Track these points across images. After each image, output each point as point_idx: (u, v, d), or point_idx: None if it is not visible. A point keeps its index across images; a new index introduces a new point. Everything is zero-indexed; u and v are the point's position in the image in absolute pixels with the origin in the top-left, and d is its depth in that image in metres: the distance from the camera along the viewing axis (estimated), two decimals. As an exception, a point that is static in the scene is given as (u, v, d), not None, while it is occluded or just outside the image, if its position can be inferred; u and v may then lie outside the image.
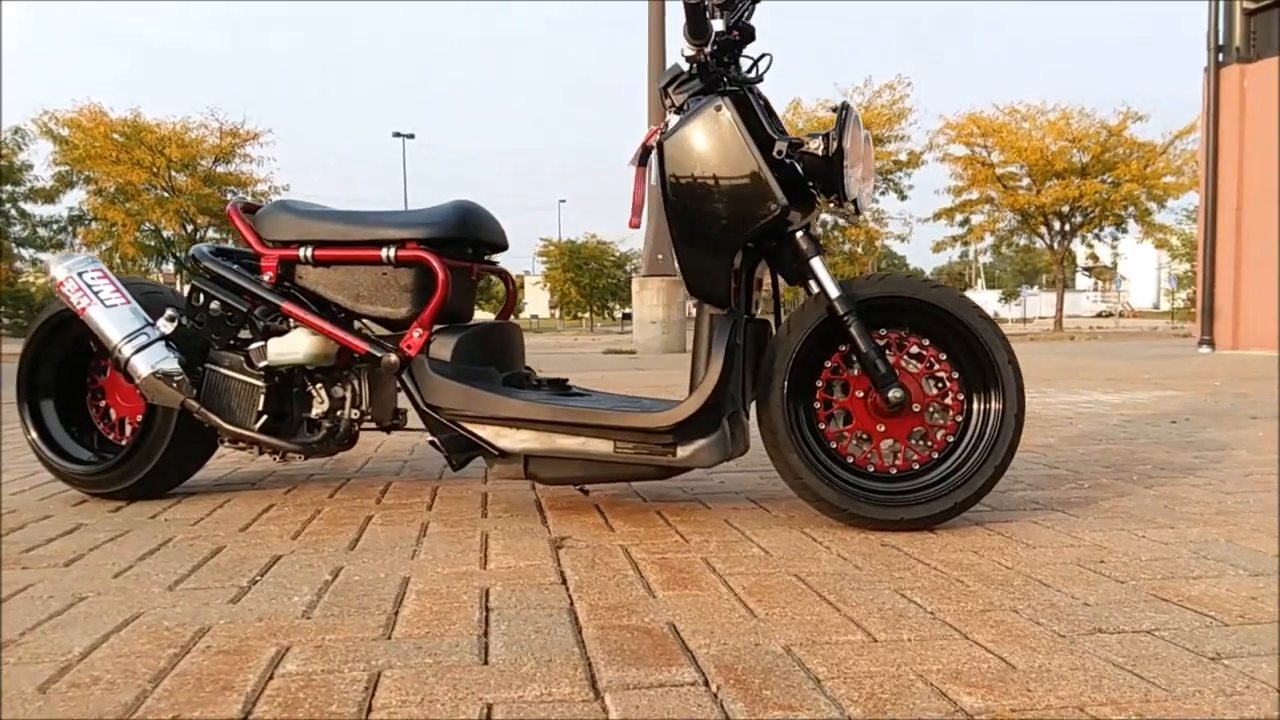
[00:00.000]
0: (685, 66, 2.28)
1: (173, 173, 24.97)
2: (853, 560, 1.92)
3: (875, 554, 1.97)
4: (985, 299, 54.63)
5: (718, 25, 2.16)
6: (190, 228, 26.04)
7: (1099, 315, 53.68)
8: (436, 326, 2.44)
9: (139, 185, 24.33)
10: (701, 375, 2.19)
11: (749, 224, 2.16)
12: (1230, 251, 11.34)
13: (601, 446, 2.24)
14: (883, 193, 26.52)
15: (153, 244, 26.22)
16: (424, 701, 1.22)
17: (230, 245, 2.75)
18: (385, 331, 2.58)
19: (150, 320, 2.54)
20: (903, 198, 27.16)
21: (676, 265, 2.26)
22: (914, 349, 2.23)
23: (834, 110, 2.19)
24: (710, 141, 2.15)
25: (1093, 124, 25.00)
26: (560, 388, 2.49)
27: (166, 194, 24.99)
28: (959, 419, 2.21)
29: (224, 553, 2.04)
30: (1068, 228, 26.82)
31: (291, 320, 2.49)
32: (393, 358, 2.39)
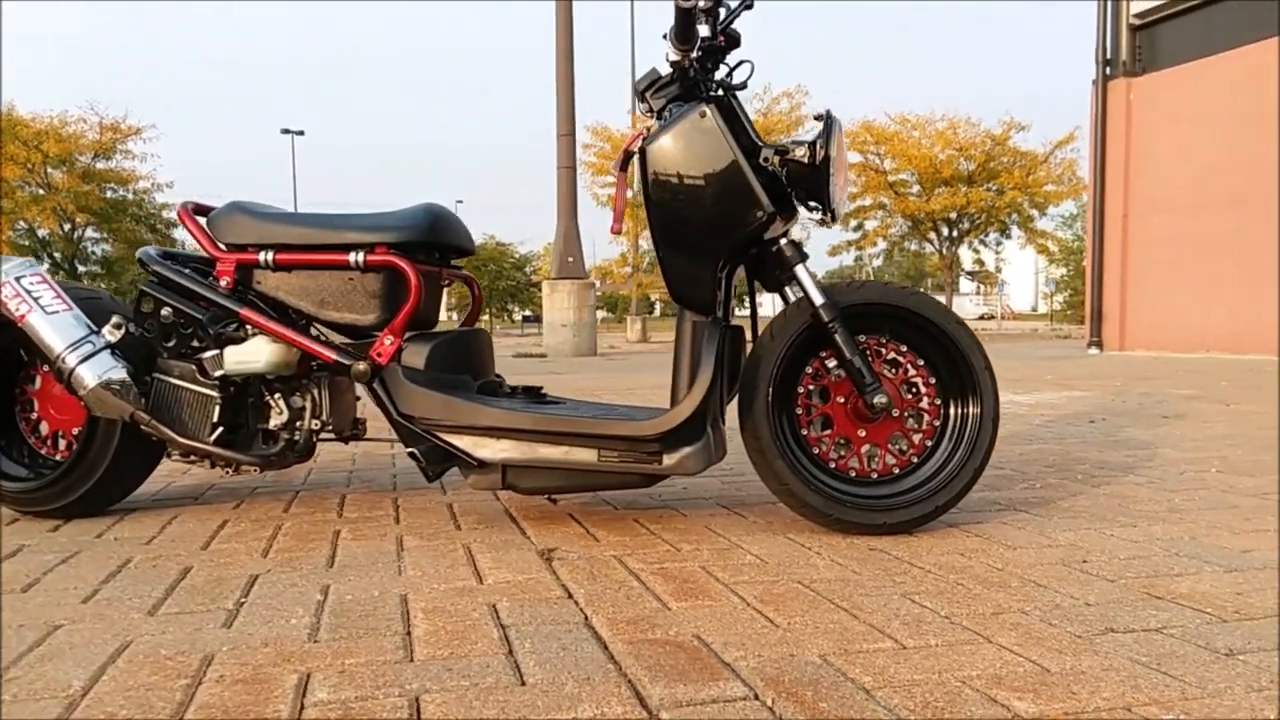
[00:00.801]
0: (665, 70, 2.27)
1: (49, 169, 23.76)
2: (848, 566, 1.94)
3: (868, 559, 1.99)
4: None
5: (703, 30, 2.15)
6: (68, 227, 24.83)
7: (981, 317, 55.65)
8: (407, 334, 2.37)
9: (12, 182, 23.06)
10: (688, 383, 2.18)
11: (735, 230, 2.16)
12: (1117, 257, 11.89)
13: (585, 455, 2.20)
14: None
15: (27, 244, 24.87)
16: (476, 727, 1.18)
17: (174, 249, 2.62)
18: (339, 339, 2.50)
19: (94, 328, 2.40)
20: (799, 202, 27.57)
21: (660, 270, 2.24)
22: (891, 355, 2.26)
23: (817, 119, 2.21)
24: (695, 147, 2.14)
25: (978, 134, 25.88)
26: (535, 395, 2.44)
27: (42, 191, 23.76)
28: (936, 424, 2.26)
29: (194, 573, 1.94)
30: (956, 234, 27.71)
31: (249, 327, 2.39)
32: (362, 366, 2.31)
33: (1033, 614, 1.62)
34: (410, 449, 2.28)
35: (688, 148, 2.15)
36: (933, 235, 28.13)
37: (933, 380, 2.26)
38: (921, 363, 2.26)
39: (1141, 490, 2.75)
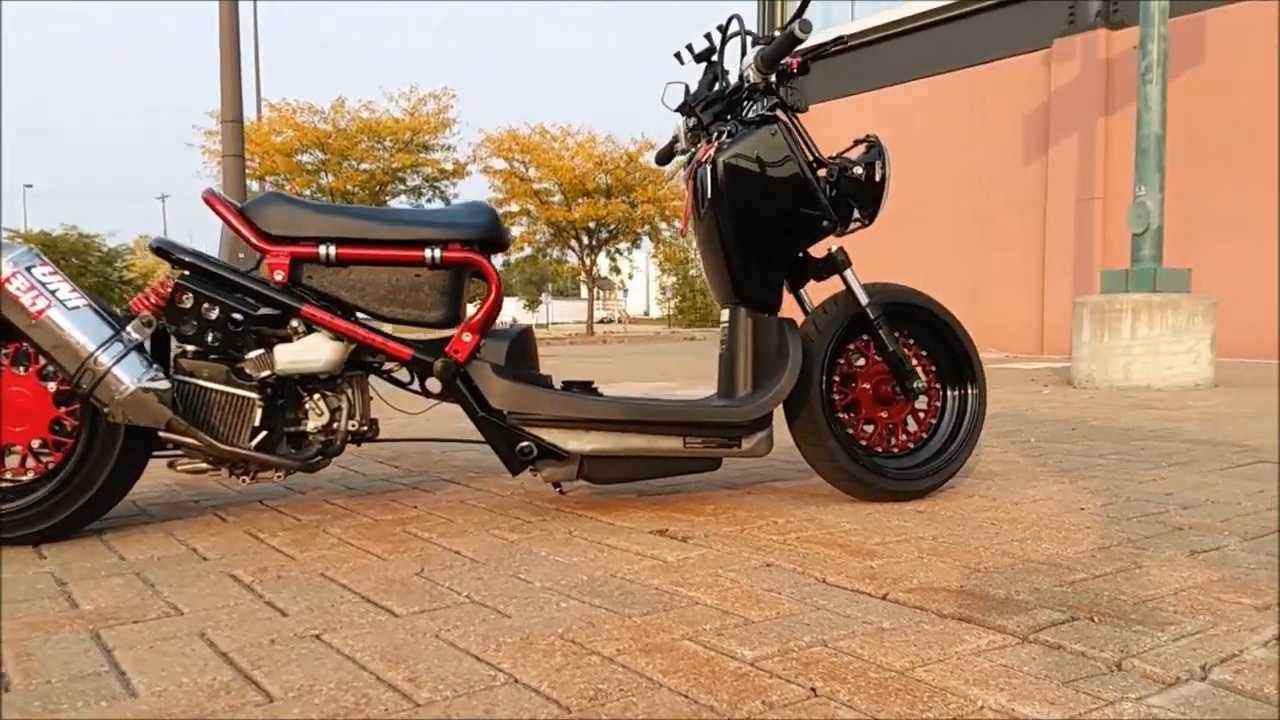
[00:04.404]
0: (695, 86, 2.49)
1: None
2: (945, 525, 2.26)
3: (941, 518, 2.33)
4: (509, 306, 57.83)
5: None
6: None
7: (601, 321, 59.04)
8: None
9: None
10: (751, 374, 2.41)
11: (806, 236, 2.42)
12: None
13: (671, 443, 2.35)
14: (429, 200, 26.89)
15: None
16: (904, 649, 1.37)
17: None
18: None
19: (117, 325, 2.14)
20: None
21: (725, 274, 2.44)
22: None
23: (860, 142, 2.52)
24: (768, 161, 2.38)
25: (615, 149, 27.50)
26: (588, 390, 2.52)
27: None
28: (938, 405, 2.66)
29: (354, 581, 1.86)
30: (595, 242, 29.20)
31: (297, 324, 2.26)
32: (442, 363, 2.28)
33: (1209, 535, 2.05)
34: (522, 444, 2.28)
35: (761, 160, 2.38)
36: (574, 243, 29.40)
37: (933, 368, 2.66)
38: (924, 353, 2.65)
39: (1094, 460, 3.35)
